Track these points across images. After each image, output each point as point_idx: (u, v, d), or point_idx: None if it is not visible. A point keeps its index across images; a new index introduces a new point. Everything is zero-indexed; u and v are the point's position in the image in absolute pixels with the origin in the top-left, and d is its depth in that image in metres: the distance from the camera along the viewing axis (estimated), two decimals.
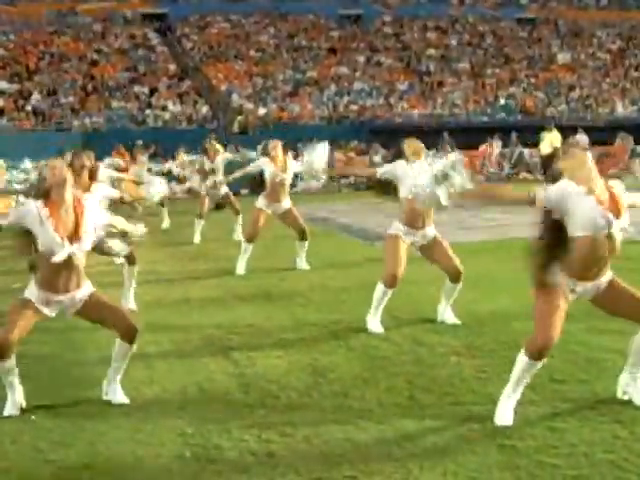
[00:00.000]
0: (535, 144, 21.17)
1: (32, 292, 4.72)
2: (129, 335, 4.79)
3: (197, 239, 12.75)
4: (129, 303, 7.56)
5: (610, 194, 4.37)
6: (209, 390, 5.13)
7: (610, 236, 4.30)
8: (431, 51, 34.38)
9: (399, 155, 6.75)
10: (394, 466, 3.85)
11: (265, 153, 10.07)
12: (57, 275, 4.64)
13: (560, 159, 4.49)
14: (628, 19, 39.96)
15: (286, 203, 9.72)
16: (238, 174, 10.80)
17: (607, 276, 4.51)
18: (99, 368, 5.21)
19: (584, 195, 4.26)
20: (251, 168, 10.10)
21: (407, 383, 5.11)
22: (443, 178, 4.90)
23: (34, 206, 4.60)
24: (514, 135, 27.16)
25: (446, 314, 6.77)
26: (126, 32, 32.29)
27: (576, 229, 4.29)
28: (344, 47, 33.80)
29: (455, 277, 6.69)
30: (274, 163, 9.62)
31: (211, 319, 7.12)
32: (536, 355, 4.33)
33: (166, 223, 15.02)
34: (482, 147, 26.67)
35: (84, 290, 4.79)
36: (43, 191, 4.64)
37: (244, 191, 21.84)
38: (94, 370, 5.34)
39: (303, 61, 32.18)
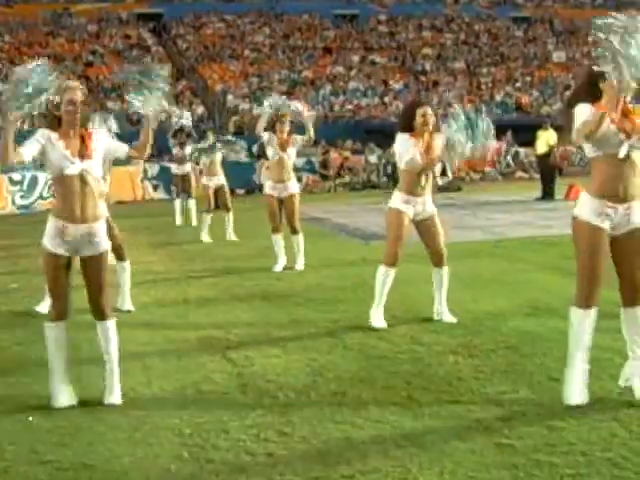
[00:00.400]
0: (530, 143, 21.17)
1: (49, 233, 4.75)
2: (96, 312, 4.86)
3: (205, 238, 12.62)
4: (125, 304, 7.49)
5: (624, 112, 4.38)
6: (207, 390, 5.12)
7: (628, 156, 4.40)
8: (426, 50, 34.44)
9: (407, 124, 6.57)
10: (392, 465, 3.85)
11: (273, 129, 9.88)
12: (72, 200, 4.67)
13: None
14: None
15: (292, 187, 9.59)
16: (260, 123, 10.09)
17: (638, 217, 4.53)
18: (95, 368, 5.20)
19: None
20: (261, 135, 9.85)
21: (405, 382, 5.10)
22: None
23: (44, 131, 4.71)
24: (509, 134, 27.22)
25: (443, 313, 6.76)
26: (121, 33, 32.31)
27: (591, 150, 4.45)
28: (339, 47, 33.86)
29: (437, 259, 6.69)
30: (276, 140, 9.54)
31: (209, 319, 7.12)
32: (584, 303, 4.49)
33: (191, 220, 15.02)
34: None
35: (102, 234, 4.80)
36: (53, 119, 4.74)
37: (240, 191, 21.94)
38: (91, 370, 5.32)
39: (298, 61, 32.20)
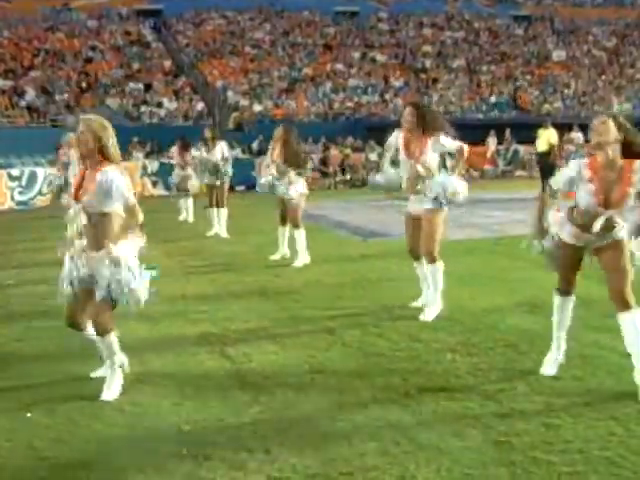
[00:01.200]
0: (530, 141, 21.18)
1: None
2: (94, 327, 4.97)
3: (225, 234, 12.65)
4: None
5: (620, 177, 4.67)
6: (205, 387, 5.12)
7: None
8: (426, 48, 34.39)
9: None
10: (390, 462, 3.85)
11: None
12: (85, 231, 4.98)
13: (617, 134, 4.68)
14: (623, 16, 40.05)
15: (298, 187, 9.85)
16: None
17: (616, 234, 4.77)
18: (94, 366, 5.21)
19: (586, 181, 4.75)
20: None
21: (402, 379, 5.10)
22: None
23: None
24: (508, 132, 27.20)
25: (424, 312, 6.74)
26: (121, 29, 32.23)
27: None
28: (339, 44, 33.80)
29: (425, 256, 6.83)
30: (270, 154, 9.96)
31: (207, 315, 7.11)
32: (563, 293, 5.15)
33: (187, 216, 15.05)
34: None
35: (101, 259, 4.84)
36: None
37: (240, 187, 21.91)
38: (89, 368, 5.33)
39: (298, 58, 32.15)
